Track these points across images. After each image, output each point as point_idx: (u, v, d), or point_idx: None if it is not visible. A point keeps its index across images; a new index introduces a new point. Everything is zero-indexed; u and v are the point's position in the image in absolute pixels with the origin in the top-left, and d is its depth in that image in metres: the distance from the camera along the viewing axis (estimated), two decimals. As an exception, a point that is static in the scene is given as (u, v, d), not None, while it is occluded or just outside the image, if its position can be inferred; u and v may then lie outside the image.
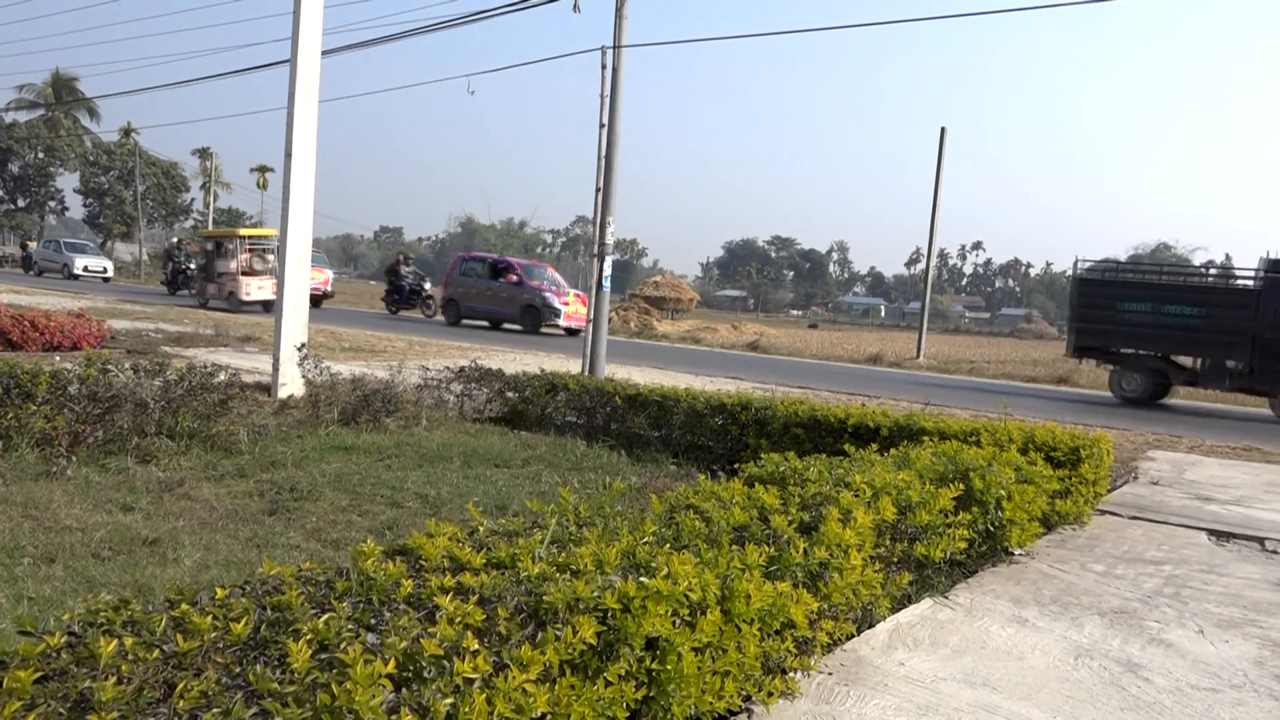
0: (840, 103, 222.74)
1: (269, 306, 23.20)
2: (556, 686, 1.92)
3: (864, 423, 6.23)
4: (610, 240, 12.10)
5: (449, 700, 1.70)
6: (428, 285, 28.91)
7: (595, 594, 2.10)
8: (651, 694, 2.21)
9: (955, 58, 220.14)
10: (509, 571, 2.24)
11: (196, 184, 68.10)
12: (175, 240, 34.35)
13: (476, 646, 1.83)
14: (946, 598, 3.85)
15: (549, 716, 1.88)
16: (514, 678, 1.80)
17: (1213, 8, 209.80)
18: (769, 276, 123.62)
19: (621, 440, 7.14)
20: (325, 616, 1.86)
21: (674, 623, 2.22)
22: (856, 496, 3.41)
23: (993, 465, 4.42)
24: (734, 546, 2.72)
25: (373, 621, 1.90)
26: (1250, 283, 14.88)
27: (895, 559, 3.58)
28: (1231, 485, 7.36)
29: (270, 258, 23.92)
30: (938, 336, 50.77)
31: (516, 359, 14.22)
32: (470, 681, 1.75)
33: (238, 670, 1.70)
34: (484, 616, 1.95)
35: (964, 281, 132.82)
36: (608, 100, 11.86)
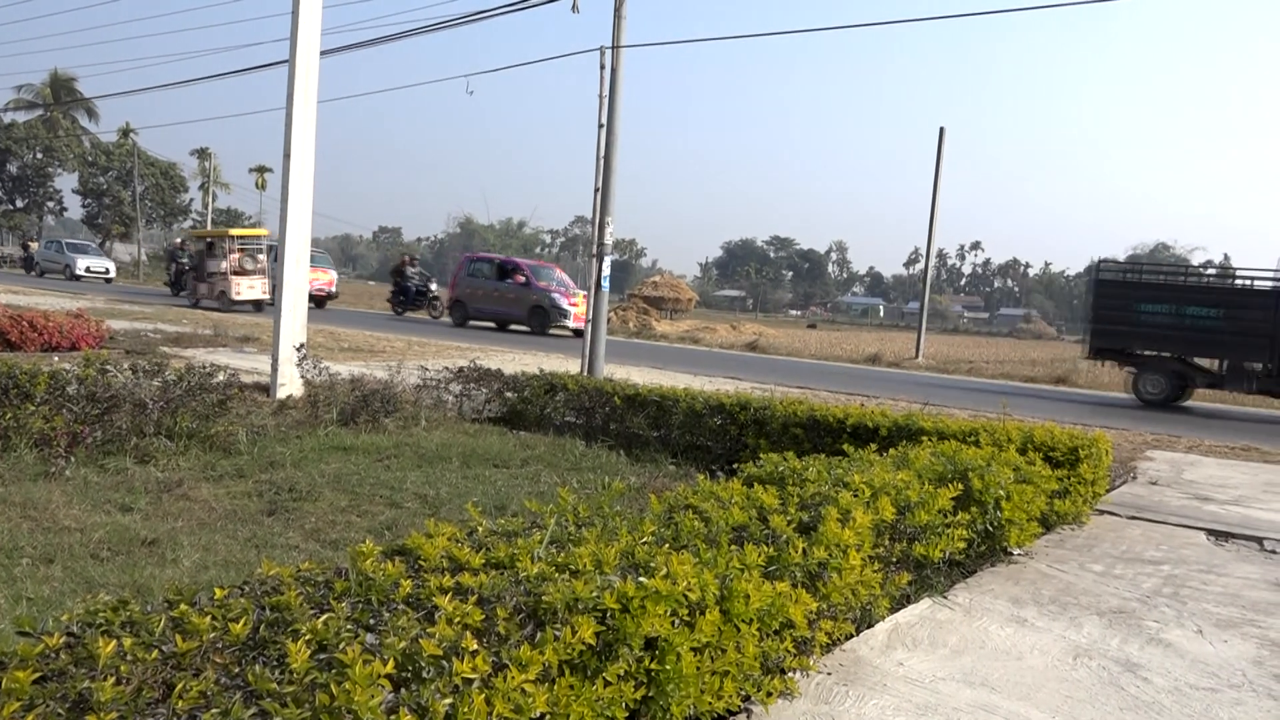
0: (839, 103, 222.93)
1: (260, 306, 23.42)
2: (555, 687, 1.92)
3: (863, 423, 6.23)
4: (609, 240, 12.11)
5: (448, 700, 1.70)
6: (434, 286, 28.75)
7: (594, 594, 2.10)
8: (650, 694, 2.21)
9: (955, 58, 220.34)
10: (508, 572, 2.24)
11: (195, 184, 68.12)
12: (179, 240, 34.27)
13: (475, 647, 1.83)
14: (945, 598, 3.86)
15: (548, 716, 1.88)
16: (513, 678, 1.80)
17: (1212, 8, 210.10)
18: (768, 276, 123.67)
19: (620, 440, 7.14)
20: (324, 617, 1.86)
21: (673, 623, 2.22)
22: (855, 496, 3.42)
23: (991, 465, 4.42)
24: (733, 546, 2.72)
25: (372, 622, 1.90)
26: (1272, 284, 14.79)
27: (894, 559, 3.58)
28: (1230, 485, 7.37)
29: (261, 258, 24.13)
30: (936, 336, 50.79)
31: (515, 359, 14.21)
32: (469, 682, 1.75)
33: (236, 670, 1.70)
34: (483, 617, 1.95)
35: (963, 281, 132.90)
36: (606, 100, 11.86)
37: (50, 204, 64.03)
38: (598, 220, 12.03)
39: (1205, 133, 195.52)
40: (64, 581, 3.38)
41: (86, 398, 5.65)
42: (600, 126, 11.88)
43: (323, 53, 8.81)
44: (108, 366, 6.11)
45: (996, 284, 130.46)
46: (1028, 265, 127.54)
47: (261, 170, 75.93)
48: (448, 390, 8.25)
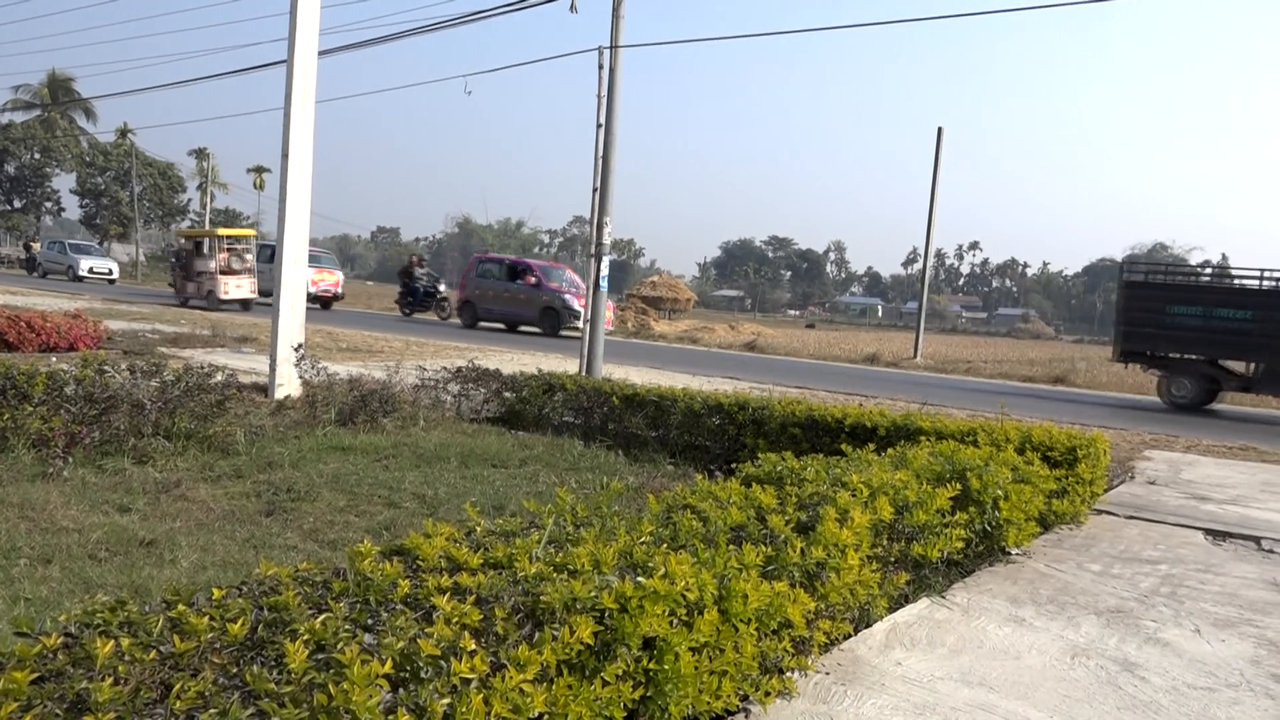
0: (838, 103, 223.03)
1: (247, 305, 23.62)
2: (554, 686, 1.92)
3: (861, 422, 6.24)
4: (608, 240, 12.10)
5: (446, 700, 1.70)
6: (442, 287, 28.53)
7: (592, 594, 2.10)
8: (649, 694, 2.21)
9: (953, 58, 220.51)
10: (506, 572, 2.24)
11: (193, 184, 68.07)
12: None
13: (474, 647, 1.83)
14: (943, 597, 3.86)
15: (546, 717, 1.88)
16: (511, 678, 1.80)
17: (1211, 8, 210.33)
18: (766, 276, 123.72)
19: (619, 440, 7.14)
20: (322, 617, 1.86)
21: (671, 623, 2.22)
22: (854, 496, 3.42)
23: (990, 465, 4.43)
24: (731, 546, 2.72)
25: (370, 622, 1.90)
26: None
27: (892, 559, 3.59)
28: (1228, 485, 7.38)
29: (249, 257, 24.28)
30: (935, 336, 50.81)
31: (513, 359, 14.21)
32: (467, 682, 1.75)
33: (235, 671, 1.70)
34: (481, 617, 1.95)
35: (961, 281, 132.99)
36: (605, 100, 11.86)
37: (48, 204, 63.96)
38: (596, 220, 12.02)
39: (1204, 133, 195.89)
40: (62, 582, 3.37)
41: (84, 398, 5.65)
42: (599, 126, 11.87)
43: (321, 53, 8.81)
44: (105, 367, 6.11)
45: (995, 284, 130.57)
46: (1026, 265, 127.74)
47: (260, 170, 75.94)
48: (446, 390, 8.25)
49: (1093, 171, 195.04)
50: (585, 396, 7.63)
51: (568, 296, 23.43)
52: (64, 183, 63.63)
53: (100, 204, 62.37)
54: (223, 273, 23.39)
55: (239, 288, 23.52)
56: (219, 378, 6.60)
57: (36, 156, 60.76)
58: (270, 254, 25.60)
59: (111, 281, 38.08)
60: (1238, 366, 15.14)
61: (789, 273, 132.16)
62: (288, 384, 8.23)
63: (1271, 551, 5.21)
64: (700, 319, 44.14)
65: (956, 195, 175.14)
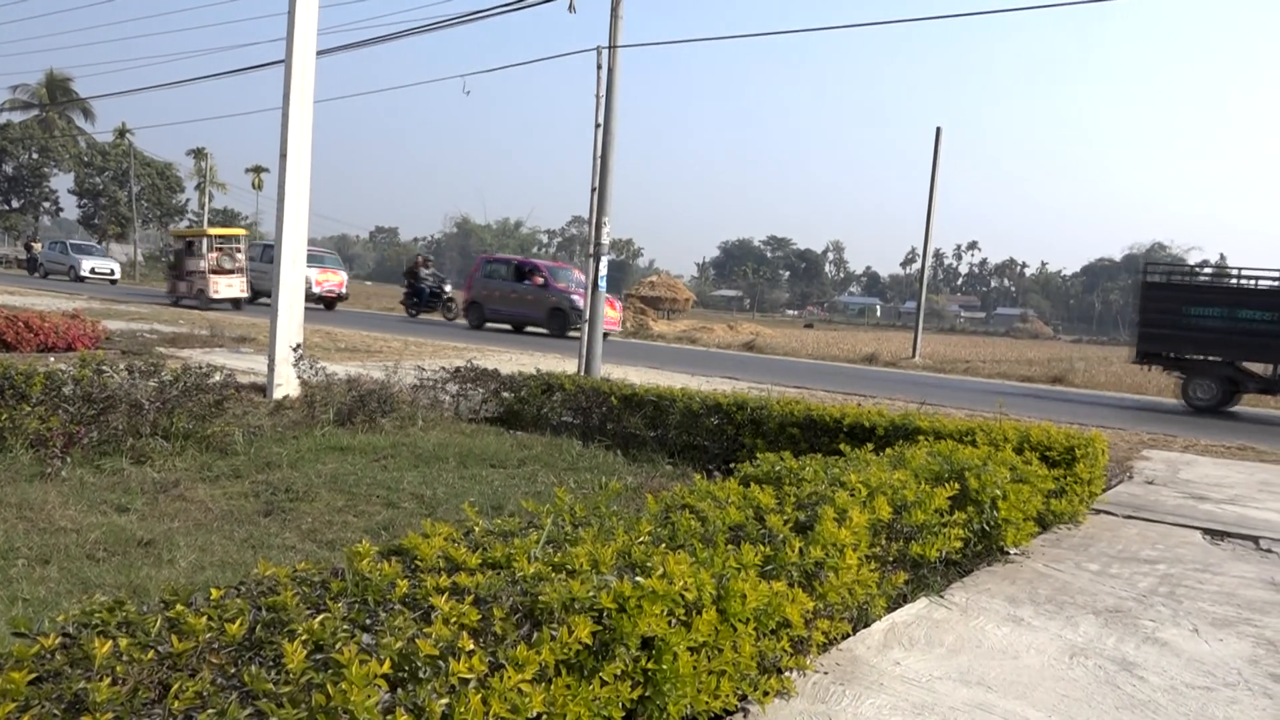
0: (837, 102, 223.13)
1: (238, 304, 23.79)
2: (552, 686, 1.92)
3: (859, 422, 6.24)
4: (606, 240, 12.10)
5: (444, 700, 1.70)
6: (448, 288, 28.25)
7: (591, 594, 2.10)
8: (647, 694, 2.21)
9: (952, 58, 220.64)
10: (504, 571, 2.24)
11: (191, 184, 68.00)
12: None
13: (472, 647, 1.83)
14: (942, 597, 3.86)
15: (544, 716, 1.88)
16: (509, 678, 1.80)
17: (1212, 8, 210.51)
18: (765, 276, 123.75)
19: (617, 440, 7.14)
20: (320, 617, 1.86)
21: (670, 622, 2.22)
22: (852, 496, 3.42)
23: (988, 465, 4.43)
24: (730, 546, 2.72)
25: (368, 622, 1.90)
26: None
27: (891, 558, 3.59)
28: (1226, 484, 7.38)
29: (239, 256, 24.40)
30: (933, 336, 50.84)
31: (512, 359, 14.21)
32: (465, 682, 1.75)
33: (233, 671, 1.70)
34: (479, 616, 1.95)
35: (959, 281, 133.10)
36: (603, 100, 11.86)
37: (46, 204, 63.92)
38: (595, 220, 12.02)
39: (1203, 132, 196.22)
40: (60, 582, 3.37)
41: (82, 398, 5.64)
42: (597, 126, 11.87)
43: (319, 53, 8.80)
44: (104, 367, 6.10)
45: (993, 284, 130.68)
46: (1024, 265, 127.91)
47: (258, 170, 75.85)
48: (444, 390, 8.25)
49: (1091, 171, 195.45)
50: (584, 396, 7.63)
51: (575, 297, 23.02)
52: (62, 183, 63.65)
53: (98, 204, 62.32)
54: (213, 272, 23.57)
55: (230, 287, 23.69)
56: (217, 378, 6.59)
57: (34, 156, 60.71)
58: (270, 254, 25.59)
59: (113, 282, 37.86)
60: (1258, 368, 14.93)
61: (787, 273, 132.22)
62: (286, 384, 8.23)
63: (1269, 551, 5.21)
64: (699, 319, 44.15)
65: (955, 195, 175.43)
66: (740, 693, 2.50)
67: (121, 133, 63.12)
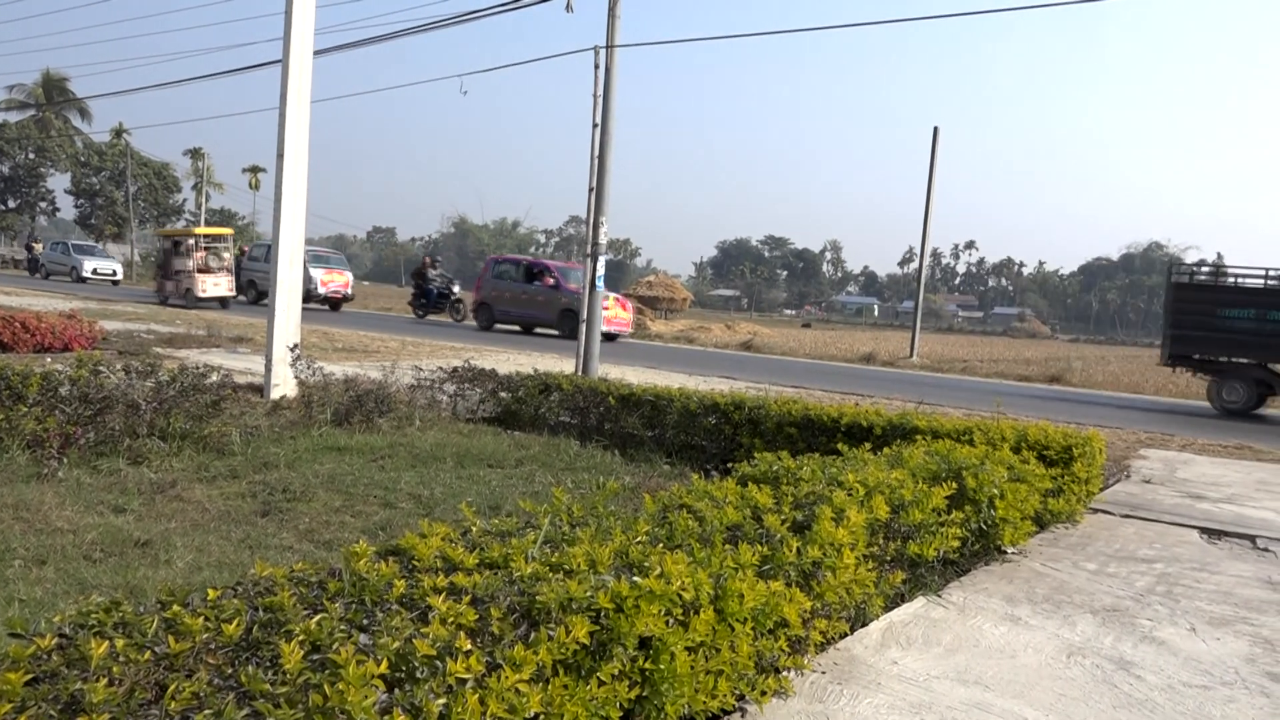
0: (834, 102, 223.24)
1: (225, 303, 23.91)
2: (549, 686, 1.92)
3: (857, 422, 6.24)
4: (604, 240, 12.10)
5: (442, 700, 1.70)
6: (456, 289, 28.01)
7: (588, 594, 2.10)
8: (645, 693, 2.21)
9: (949, 58, 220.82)
10: (502, 571, 2.24)
11: (188, 184, 67.98)
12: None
13: (469, 647, 1.83)
14: (939, 596, 3.86)
15: (542, 716, 1.88)
16: (507, 678, 1.80)
17: (1212, 7, 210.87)
18: (762, 276, 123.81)
19: (615, 440, 7.14)
20: (318, 617, 1.85)
21: (667, 622, 2.22)
22: (850, 495, 3.42)
23: (985, 464, 4.43)
24: (727, 546, 2.72)
25: (365, 622, 1.90)
26: None
27: (888, 558, 3.59)
28: (1223, 483, 7.39)
29: (226, 256, 24.55)
30: (931, 335, 50.90)
31: (510, 359, 14.21)
32: (463, 682, 1.75)
33: (229, 671, 1.69)
34: (477, 616, 1.95)
35: (957, 281, 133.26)
36: (601, 100, 11.85)
37: (43, 204, 63.81)
38: (592, 220, 12.02)
39: (1202, 131, 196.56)
40: (57, 583, 3.37)
41: (79, 399, 5.63)
42: (595, 126, 11.86)
43: (316, 53, 8.79)
44: (101, 367, 6.09)
45: (991, 283, 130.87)
46: (1022, 264, 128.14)
47: (255, 170, 75.87)
48: (442, 390, 8.24)
49: (1089, 170, 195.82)
50: (581, 396, 7.62)
51: None
52: (59, 183, 63.55)
53: (95, 204, 62.26)
54: (200, 271, 23.71)
55: (216, 286, 23.86)
56: (214, 378, 6.59)
57: (31, 156, 60.62)
58: (267, 253, 25.54)
59: (115, 283, 37.54)
60: None
61: (785, 272, 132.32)
62: (283, 384, 8.22)
63: (1267, 550, 5.22)
64: (696, 319, 44.18)
65: (953, 194, 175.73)
66: (738, 692, 2.50)
67: (118, 132, 63.06)
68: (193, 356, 10.86)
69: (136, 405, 5.81)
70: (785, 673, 2.74)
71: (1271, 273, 14.63)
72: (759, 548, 2.76)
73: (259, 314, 20.52)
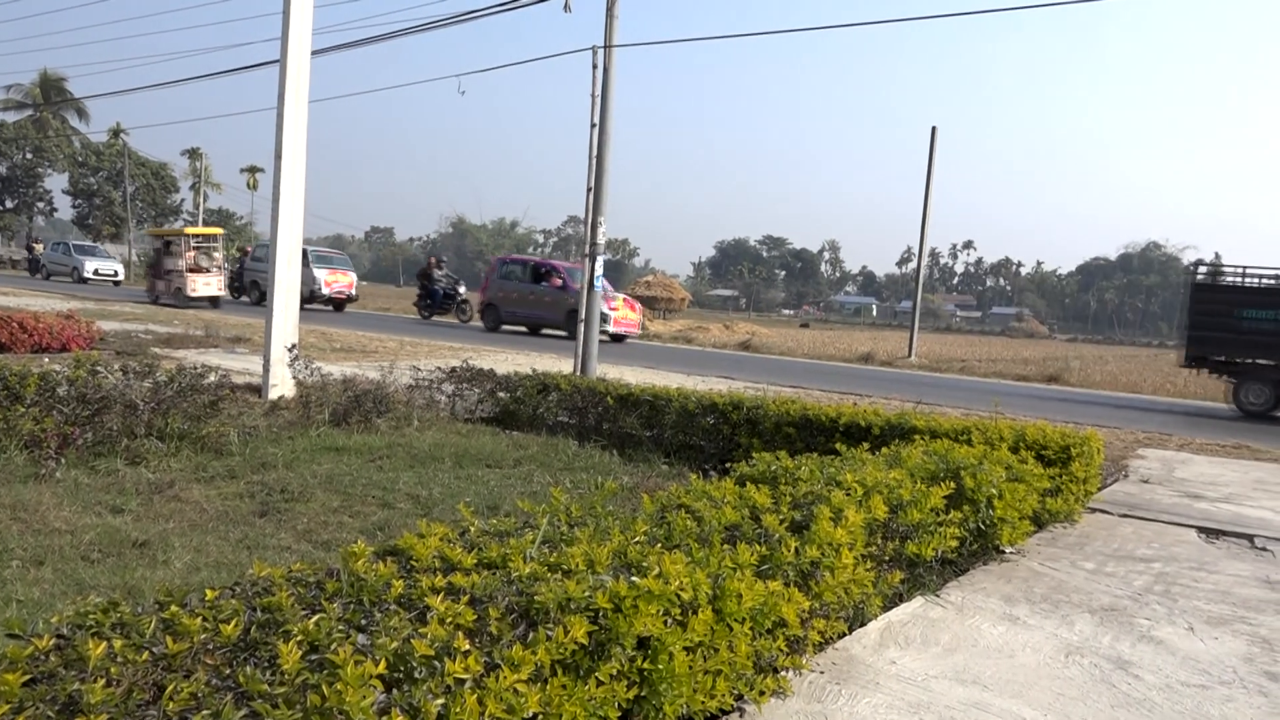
0: (832, 102, 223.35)
1: (215, 302, 24.02)
2: (548, 686, 1.92)
3: (855, 422, 6.24)
4: (602, 240, 12.10)
5: (440, 701, 1.70)
6: (462, 289, 27.89)
7: (587, 594, 2.10)
8: (643, 693, 2.21)
9: (948, 58, 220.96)
10: (500, 572, 2.24)
11: (186, 185, 67.93)
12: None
13: (467, 647, 1.83)
14: (938, 596, 3.86)
15: (540, 716, 1.88)
16: (505, 678, 1.80)
17: (1211, 7, 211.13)
18: (761, 276, 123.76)
19: (613, 440, 7.14)
20: (316, 617, 1.85)
21: (665, 622, 2.22)
22: (848, 495, 3.42)
23: (984, 464, 4.43)
24: (726, 546, 2.72)
25: (363, 622, 1.90)
26: None
27: (887, 557, 3.59)
28: (1221, 483, 7.40)
29: (217, 255, 24.64)
30: (929, 335, 50.92)
31: (508, 359, 14.21)
32: (461, 682, 1.75)
33: (227, 672, 1.69)
34: (475, 617, 1.95)
35: (955, 280, 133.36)
36: (599, 100, 11.85)
37: (40, 205, 63.71)
38: (590, 220, 12.02)
39: (1201, 131, 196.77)
40: (54, 584, 3.36)
41: (77, 399, 5.63)
42: (593, 126, 11.86)
43: (314, 53, 8.79)
44: (98, 368, 6.08)
45: (989, 283, 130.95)
46: (1020, 264, 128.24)
47: (253, 170, 75.84)
48: (440, 390, 8.24)
49: (1088, 169, 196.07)
50: (580, 396, 7.62)
51: None
52: (56, 183, 63.49)
53: (93, 204, 62.18)
54: (190, 270, 23.84)
55: (207, 285, 23.99)
56: (212, 378, 6.58)
57: (28, 156, 60.52)
58: (262, 254, 25.45)
59: (117, 284, 37.34)
60: None
61: (783, 272, 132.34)
62: (281, 384, 8.21)
63: (1264, 549, 5.22)
64: (695, 318, 44.20)
65: (951, 194, 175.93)
66: (736, 692, 2.50)
67: (116, 133, 63.01)
68: (190, 357, 10.85)
69: (134, 405, 5.80)
70: (783, 672, 2.74)
71: None
72: (757, 548, 2.76)
73: (258, 314, 20.50)
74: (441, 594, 2.01)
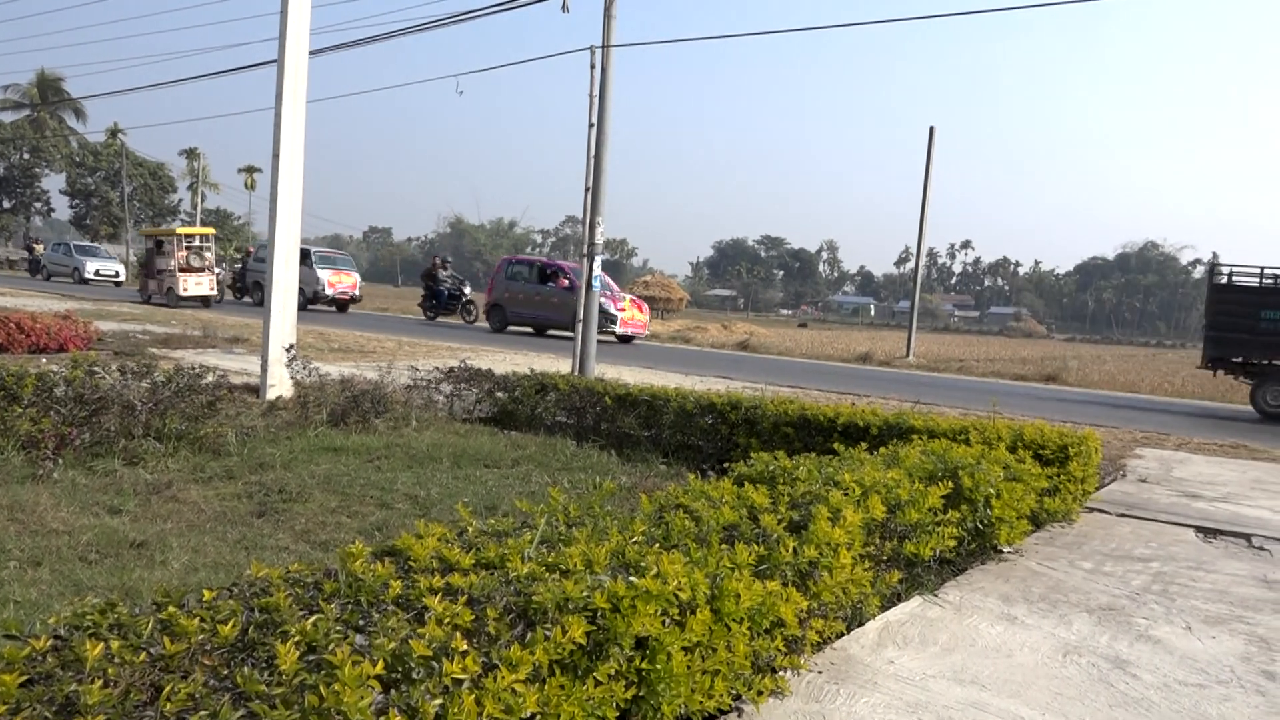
0: (831, 102, 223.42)
1: (207, 302, 24.10)
2: (546, 686, 1.92)
3: (853, 421, 6.24)
4: (600, 240, 12.10)
5: (438, 701, 1.70)
6: (468, 290, 27.69)
7: (584, 594, 2.10)
8: (641, 693, 2.21)
9: (946, 58, 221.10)
10: (498, 572, 2.24)
11: (184, 185, 67.87)
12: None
13: (465, 647, 1.82)
14: (936, 596, 3.87)
15: (538, 717, 1.88)
16: (503, 678, 1.80)
17: (1211, 7, 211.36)
18: (759, 276, 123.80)
19: (611, 440, 7.14)
20: (313, 618, 1.85)
21: (663, 622, 2.22)
22: (846, 495, 3.42)
23: (981, 463, 4.43)
24: (724, 546, 2.72)
25: (361, 623, 1.90)
26: None
27: (885, 557, 3.59)
28: (1219, 482, 7.41)
29: (208, 255, 24.70)
30: (927, 335, 50.97)
31: (506, 359, 14.20)
32: (459, 682, 1.75)
33: (225, 672, 1.69)
34: (473, 617, 1.95)
35: (953, 280, 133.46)
36: (597, 100, 11.85)
37: (37, 205, 63.64)
38: (588, 220, 12.03)
39: (1200, 131, 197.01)
40: (52, 584, 3.36)
41: (74, 399, 5.62)
42: (591, 126, 11.86)
43: (312, 52, 8.78)
44: (96, 368, 6.07)
45: (987, 282, 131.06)
46: (1018, 264, 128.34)
47: (251, 170, 75.74)
48: (438, 390, 8.23)
49: (1086, 169, 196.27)
50: (578, 396, 7.62)
51: (603, 300, 22.54)
52: (54, 183, 63.40)
53: (90, 204, 62.11)
54: (182, 270, 23.88)
55: (199, 285, 24.05)
56: (210, 378, 6.57)
57: (26, 157, 60.46)
58: (258, 254, 25.38)
59: (118, 284, 37.08)
60: None
61: (781, 272, 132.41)
62: (279, 384, 8.21)
63: (1262, 549, 5.23)
64: (693, 318, 44.22)
65: (949, 194, 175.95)
66: (734, 692, 2.50)
67: (113, 133, 62.96)
68: (188, 357, 10.84)
69: (132, 406, 5.79)
70: (782, 672, 2.74)
71: None
72: (755, 548, 2.76)
73: (256, 314, 20.47)
74: (439, 594, 2.01)
